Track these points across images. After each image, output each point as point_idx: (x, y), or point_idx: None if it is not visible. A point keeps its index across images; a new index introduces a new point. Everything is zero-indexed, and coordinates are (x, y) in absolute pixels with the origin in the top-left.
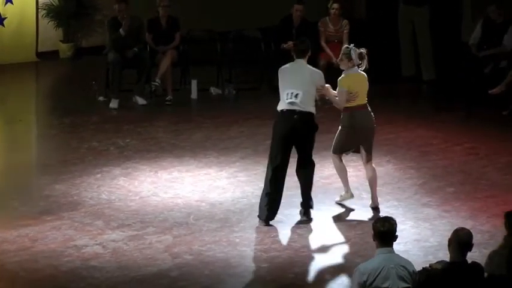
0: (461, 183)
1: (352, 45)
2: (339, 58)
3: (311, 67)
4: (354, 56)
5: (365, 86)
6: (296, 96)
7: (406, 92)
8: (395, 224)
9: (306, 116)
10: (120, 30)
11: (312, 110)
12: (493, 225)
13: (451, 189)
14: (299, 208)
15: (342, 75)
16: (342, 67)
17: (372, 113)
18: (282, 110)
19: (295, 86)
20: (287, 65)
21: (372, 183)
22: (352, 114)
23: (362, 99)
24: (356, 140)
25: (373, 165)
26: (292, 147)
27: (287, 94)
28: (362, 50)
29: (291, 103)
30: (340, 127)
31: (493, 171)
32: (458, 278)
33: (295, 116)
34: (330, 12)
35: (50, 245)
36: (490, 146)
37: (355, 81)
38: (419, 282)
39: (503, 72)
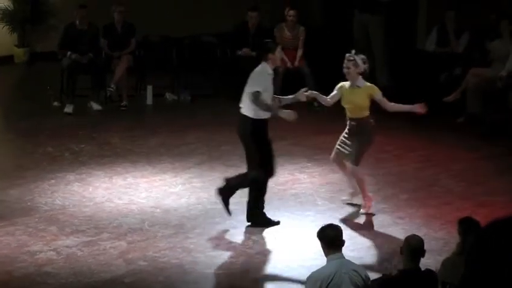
0: (415, 190)
1: (353, 51)
2: (345, 69)
3: (258, 68)
4: (359, 62)
5: None
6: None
7: None
8: (341, 229)
9: (241, 118)
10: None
11: (247, 112)
12: (447, 232)
13: (404, 195)
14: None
15: (368, 84)
16: (350, 79)
17: None
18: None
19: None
20: None
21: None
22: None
23: None
24: None
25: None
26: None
27: None
28: (362, 56)
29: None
30: (364, 139)
31: (447, 178)
32: (412, 285)
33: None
34: (286, 18)
35: (3, 251)
36: (444, 153)
37: None
38: None
39: (458, 79)
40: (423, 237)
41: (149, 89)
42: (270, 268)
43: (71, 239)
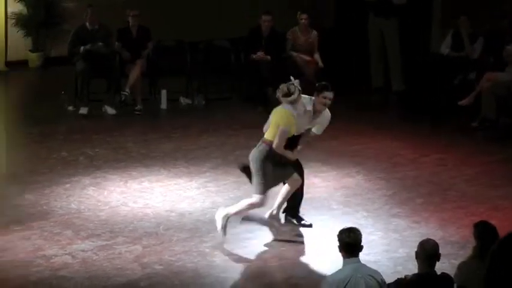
0: (430, 194)
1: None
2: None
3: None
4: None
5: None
6: None
7: (375, 103)
8: (361, 235)
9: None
10: (81, 48)
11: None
12: (463, 236)
13: (420, 200)
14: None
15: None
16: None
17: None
18: None
19: None
20: None
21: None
22: None
23: None
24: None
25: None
26: None
27: None
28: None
29: None
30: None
31: (462, 182)
32: None
33: None
34: (299, 22)
35: (19, 255)
36: (459, 157)
37: None
38: None
39: (472, 83)
40: (439, 241)
41: (163, 93)
42: (286, 272)
43: (86, 243)
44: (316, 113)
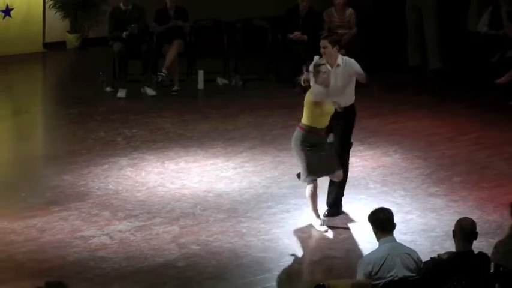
0: (468, 173)
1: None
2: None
3: None
4: None
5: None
6: None
7: (412, 82)
8: (392, 213)
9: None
10: (123, 34)
11: None
12: (500, 215)
13: (457, 178)
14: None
15: None
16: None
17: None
18: None
19: None
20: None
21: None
22: None
23: None
24: None
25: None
26: None
27: None
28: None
29: None
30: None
31: (500, 161)
32: (465, 267)
33: None
34: (334, 2)
35: (57, 236)
36: (497, 135)
37: None
38: (426, 272)
39: (510, 61)
40: (476, 220)
41: (200, 73)
42: (323, 252)
43: (124, 223)
44: (332, 66)
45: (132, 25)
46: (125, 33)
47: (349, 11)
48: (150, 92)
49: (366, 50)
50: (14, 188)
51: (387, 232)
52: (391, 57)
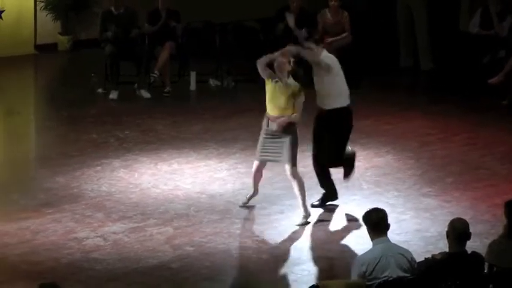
0: (460, 173)
1: None
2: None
3: None
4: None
5: None
6: None
7: (404, 83)
8: (386, 213)
9: None
10: (108, 32)
11: None
12: (493, 215)
13: (450, 179)
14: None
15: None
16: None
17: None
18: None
19: None
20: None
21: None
22: None
23: None
24: None
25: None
26: None
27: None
28: None
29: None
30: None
31: (492, 161)
32: (459, 267)
33: None
34: (329, 4)
35: (51, 238)
36: (489, 135)
37: None
38: (420, 272)
39: (502, 62)
40: (469, 221)
41: (193, 75)
42: (317, 252)
43: (118, 225)
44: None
45: (115, 29)
46: (109, 32)
47: (344, 14)
48: (145, 94)
49: (358, 51)
50: (6, 190)
51: (381, 233)
52: (383, 58)
